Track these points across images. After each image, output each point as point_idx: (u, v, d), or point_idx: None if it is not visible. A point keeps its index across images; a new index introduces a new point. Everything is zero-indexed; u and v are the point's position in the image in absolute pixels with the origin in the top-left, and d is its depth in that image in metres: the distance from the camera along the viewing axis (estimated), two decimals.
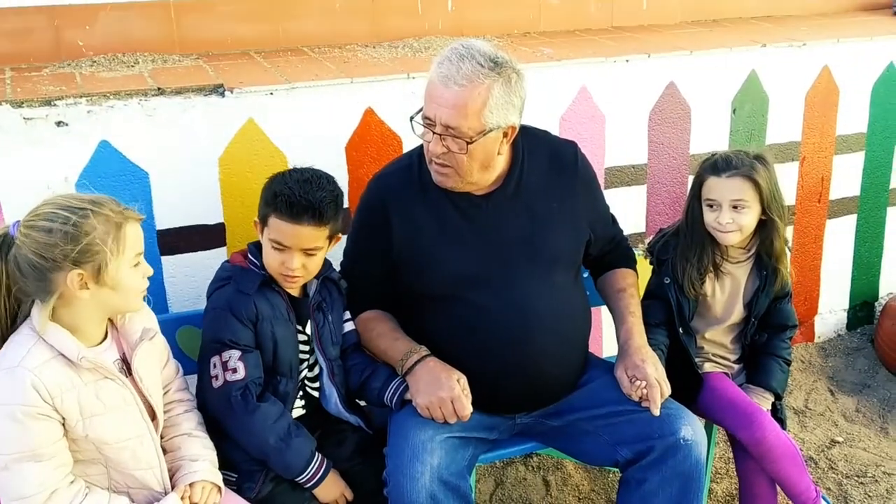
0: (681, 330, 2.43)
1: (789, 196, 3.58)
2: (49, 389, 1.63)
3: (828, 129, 3.55)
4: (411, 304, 2.24)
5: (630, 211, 3.22)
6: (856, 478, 3.03)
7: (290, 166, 2.65)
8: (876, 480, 3.00)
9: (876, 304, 3.95)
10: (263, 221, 2.11)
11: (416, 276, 2.19)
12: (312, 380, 2.24)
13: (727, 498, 2.88)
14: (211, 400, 2.07)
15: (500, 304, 2.15)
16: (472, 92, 2.01)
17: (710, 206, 2.43)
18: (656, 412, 2.15)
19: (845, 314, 3.92)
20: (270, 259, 2.10)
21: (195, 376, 2.32)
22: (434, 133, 2.06)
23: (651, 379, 2.17)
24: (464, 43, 2.09)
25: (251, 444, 2.04)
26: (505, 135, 2.12)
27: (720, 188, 2.40)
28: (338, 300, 2.25)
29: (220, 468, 2.00)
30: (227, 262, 2.22)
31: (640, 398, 2.19)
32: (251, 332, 2.07)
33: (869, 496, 2.94)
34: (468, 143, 2.04)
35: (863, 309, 3.95)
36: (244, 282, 2.09)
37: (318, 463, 2.08)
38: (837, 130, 3.58)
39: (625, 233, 3.14)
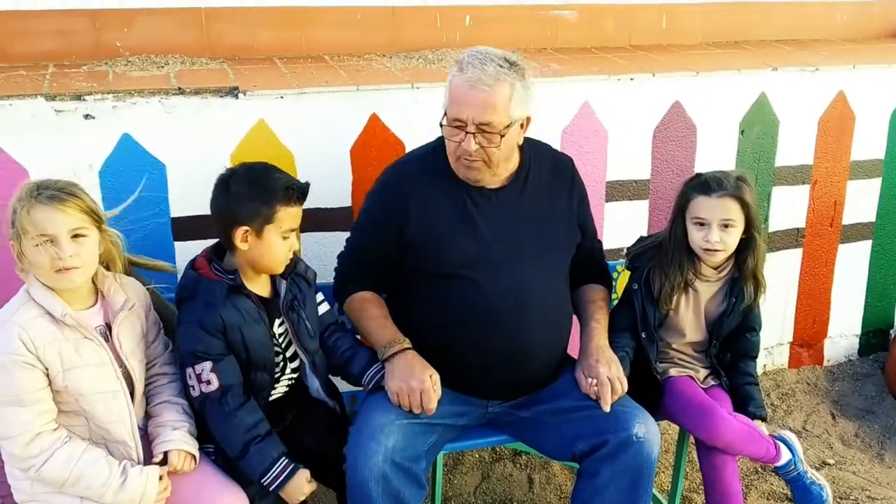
0: (643, 335, 2.51)
1: (800, 219, 3.62)
2: (33, 341, 1.87)
3: (842, 153, 3.57)
4: (415, 282, 2.38)
5: (632, 224, 3.31)
6: (838, 499, 3.04)
7: (297, 165, 2.87)
8: None
9: (891, 331, 3.94)
10: (267, 221, 2.15)
11: (426, 254, 2.33)
12: (295, 370, 2.36)
13: None
14: (192, 404, 2.19)
15: (500, 286, 2.31)
16: (500, 90, 2.21)
17: (700, 225, 2.48)
18: (606, 409, 2.28)
19: (857, 339, 3.92)
20: (282, 255, 2.20)
21: None
22: (466, 133, 2.24)
23: (602, 377, 2.30)
24: (478, 49, 2.28)
25: (224, 446, 2.17)
26: (522, 126, 2.33)
27: (711, 207, 2.45)
28: (309, 292, 2.34)
29: (202, 442, 2.18)
30: (191, 268, 2.23)
31: (596, 396, 2.31)
32: (221, 341, 2.14)
33: None
34: (500, 137, 2.24)
35: (876, 335, 3.94)
36: (210, 293, 2.14)
37: (280, 468, 2.13)
38: (852, 156, 3.59)
39: (623, 245, 3.27)
